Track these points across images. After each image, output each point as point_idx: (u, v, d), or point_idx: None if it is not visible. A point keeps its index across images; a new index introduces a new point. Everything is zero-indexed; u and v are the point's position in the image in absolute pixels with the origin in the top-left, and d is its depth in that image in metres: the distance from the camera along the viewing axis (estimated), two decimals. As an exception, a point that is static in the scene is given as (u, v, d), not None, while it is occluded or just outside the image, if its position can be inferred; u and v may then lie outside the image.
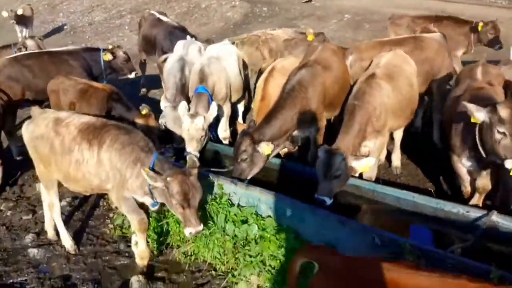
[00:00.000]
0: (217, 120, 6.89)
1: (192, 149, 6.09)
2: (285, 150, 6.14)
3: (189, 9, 18.81)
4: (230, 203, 5.04)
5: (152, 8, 16.41)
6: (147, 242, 4.90)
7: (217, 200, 5.06)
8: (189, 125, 6.05)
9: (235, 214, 4.92)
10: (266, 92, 6.11)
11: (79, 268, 5.15)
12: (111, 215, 6.01)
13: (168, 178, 4.12)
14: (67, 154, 4.60)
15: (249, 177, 5.32)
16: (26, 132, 4.98)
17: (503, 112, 4.22)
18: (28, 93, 7.42)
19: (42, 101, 7.51)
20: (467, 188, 5.15)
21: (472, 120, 4.43)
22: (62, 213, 6.03)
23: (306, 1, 17.58)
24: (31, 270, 5.12)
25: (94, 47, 8.57)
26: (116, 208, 5.48)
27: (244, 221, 4.86)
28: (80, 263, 5.22)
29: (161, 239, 5.26)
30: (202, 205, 4.89)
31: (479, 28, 8.66)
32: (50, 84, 6.76)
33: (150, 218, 5.08)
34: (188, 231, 4.27)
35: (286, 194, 4.80)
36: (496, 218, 4.27)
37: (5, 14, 13.16)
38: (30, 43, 9.48)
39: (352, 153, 4.87)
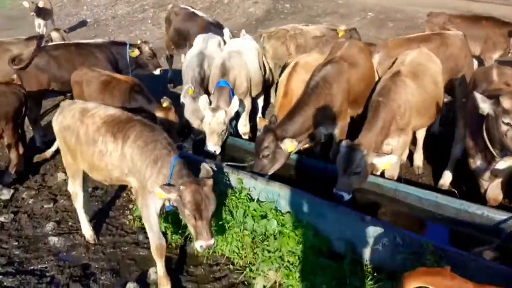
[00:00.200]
0: (237, 115, 6.89)
1: (212, 143, 6.10)
2: (306, 146, 6.09)
3: (211, 4, 18.83)
4: (250, 197, 5.02)
5: (175, 2, 16.45)
6: (165, 235, 4.89)
7: (237, 195, 5.04)
8: (210, 119, 6.06)
9: (254, 209, 4.89)
10: (289, 88, 6.06)
11: (98, 257, 5.19)
12: (130, 206, 6.04)
13: (181, 187, 3.97)
14: (91, 144, 4.59)
15: (270, 173, 5.30)
16: (56, 123, 5.03)
17: (506, 102, 4.17)
18: (54, 84, 7.52)
19: (67, 92, 7.63)
20: (485, 188, 5.02)
21: (480, 111, 4.37)
22: (82, 203, 6.14)
23: None
24: (51, 258, 5.18)
25: (121, 41, 8.60)
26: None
27: (264, 216, 4.83)
28: (99, 253, 5.26)
29: (179, 231, 5.26)
30: (221, 200, 4.87)
31: None
32: (74, 76, 6.83)
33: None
34: (199, 244, 4.03)
35: (306, 191, 4.76)
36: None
37: (26, 4, 13.39)
38: (55, 35, 9.61)
39: (374, 150, 4.81)
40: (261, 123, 5.81)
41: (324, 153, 6.18)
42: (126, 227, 5.71)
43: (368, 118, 5.11)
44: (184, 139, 6.55)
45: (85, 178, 5.21)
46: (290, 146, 5.11)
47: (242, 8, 17.83)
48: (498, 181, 4.78)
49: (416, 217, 4.82)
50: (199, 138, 6.48)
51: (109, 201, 6.18)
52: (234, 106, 6.15)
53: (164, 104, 6.22)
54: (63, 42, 8.95)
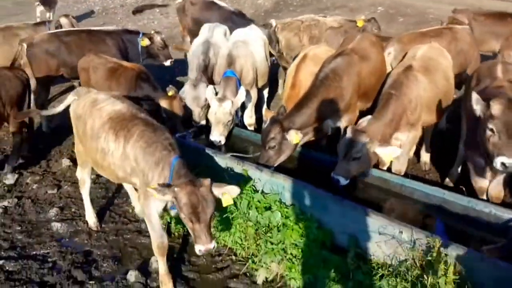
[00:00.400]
0: (242, 106, 6.85)
1: (218, 133, 6.06)
2: (313, 139, 6.03)
3: (220, -5, 18.71)
4: (254, 189, 4.98)
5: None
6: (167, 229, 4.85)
7: (241, 186, 4.99)
8: (216, 109, 6.01)
9: (258, 201, 4.85)
10: (297, 80, 6.00)
11: (100, 244, 5.18)
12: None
13: (175, 189, 3.78)
14: (95, 140, 4.53)
15: (275, 165, 5.26)
16: (71, 110, 5.01)
17: (494, 108, 4.11)
18: (63, 69, 7.54)
19: (76, 78, 7.62)
20: (477, 184, 4.92)
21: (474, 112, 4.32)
22: (86, 190, 6.13)
23: None
24: (53, 243, 5.17)
25: (134, 30, 8.55)
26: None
27: (267, 208, 4.78)
28: (102, 240, 5.25)
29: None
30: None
31: None
32: (81, 62, 6.81)
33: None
34: (197, 248, 3.84)
35: (311, 184, 4.71)
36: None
37: None
38: (64, 21, 9.57)
39: (381, 142, 4.75)
40: (267, 114, 5.77)
41: (330, 147, 6.13)
42: (129, 215, 5.69)
43: (377, 108, 5.07)
44: (186, 129, 6.49)
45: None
46: (295, 137, 5.05)
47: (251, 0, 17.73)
48: (499, 179, 4.73)
49: (422, 212, 4.76)
50: (199, 126, 6.44)
51: (113, 189, 6.16)
52: (241, 96, 6.11)
53: (170, 93, 6.18)
54: (74, 28, 8.93)
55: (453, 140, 6.23)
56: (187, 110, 6.36)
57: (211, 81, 6.76)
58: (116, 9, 19.21)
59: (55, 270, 4.74)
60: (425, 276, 3.61)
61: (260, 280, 4.52)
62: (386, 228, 4.02)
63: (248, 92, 6.68)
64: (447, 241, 3.68)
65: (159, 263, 4.45)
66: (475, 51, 6.91)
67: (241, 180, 5.00)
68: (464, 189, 4.70)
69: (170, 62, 8.27)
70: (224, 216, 4.88)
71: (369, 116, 5.07)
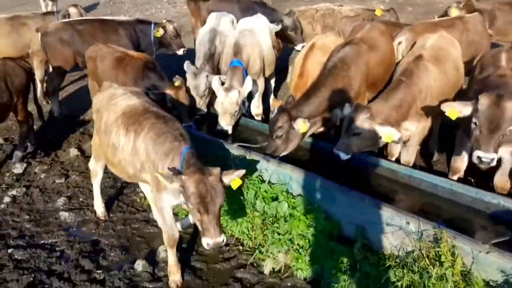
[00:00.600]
0: (249, 96, 6.81)
1: (225, 122, 6.04)
2: (321, 129, 6.00)
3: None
4: (261, 179, 4.96)
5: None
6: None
7: (248, 176, 4.98)
8: (223, 99, 5.98)
9: (265, 191, 4.83)
10: (305, 69, 5.96)
11: (108, 234, 5.21)
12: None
13: (183, 177, 3.63)
14: (107, 134, 4.50)
15: (283, 154, 5.23)
16: (93, 102, 5.04)
17: (480, 102, 4.12)
18: (78, 58, 7.60)
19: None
20: (455, 163, 5.02)
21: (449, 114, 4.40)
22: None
23: None
24: (61, 232, 5.22)
25: (146, 20, 8.51)
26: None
27: (274, 198, 4.77)
28: (110, 230, 5.28)
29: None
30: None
31: None
32: (88, 51, 6.81)
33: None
34: (205, 241, 3.67)
35: (318, 174, 4.68)
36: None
37: None
38: (73, 11, 9.54)
39: (383, 121, 4.74)
40: (275, 104, 5.72)
41: (338, 137, 6.09)
42: (137, 205, 5.72)
43: (386, 91, 5.07)
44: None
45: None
46: (302, 126, 5.01)
47: (259, -12, 17.54)
48: (504, 168, 4.70)
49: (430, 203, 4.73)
50: (201, 114, 6.43)
51: (121, 178, 6.15)
52: (248, 86, 6.07)
53: (176, 83, 6.15)
54: (87, 17, 8.95)
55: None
56: (193, 100, 6.33)
57: (218, 70, 6.72)
58: (124, -2, 19.14)
59: (63, 259, 4.79)
60: (432, 267, 3.59)
61: (267, 270, 4.53)
62: (393, 219, 4.00)
63: (255, 82, 6.63)
64: (455, 232, 3.65)
65: (169, 254, 4.45)
66: (485, 40, 6.82)
67: (248, 170, 4.98)
68: (472, 180, 4.64)
69: (183, 51, 8.16)
70: (231, 206, 4.87)
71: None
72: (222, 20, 7.34)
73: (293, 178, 4.77)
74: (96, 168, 5.31)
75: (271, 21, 7.74)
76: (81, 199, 5.85)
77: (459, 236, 3.62)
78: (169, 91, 5.99)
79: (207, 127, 6.47)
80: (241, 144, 5.43)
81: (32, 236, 5.17)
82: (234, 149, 5.27)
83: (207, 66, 6.56)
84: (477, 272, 3.52)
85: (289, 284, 4.39)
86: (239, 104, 6.09)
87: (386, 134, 4.70)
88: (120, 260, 4.80)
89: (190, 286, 4.43)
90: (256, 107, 7.05)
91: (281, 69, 8.34)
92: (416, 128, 5.13)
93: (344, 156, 4.77)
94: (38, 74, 8.57)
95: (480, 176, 4.79)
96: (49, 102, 8.40)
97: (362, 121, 4.70)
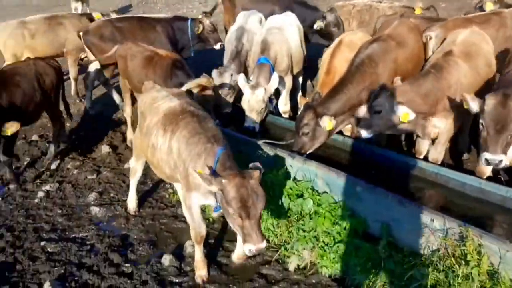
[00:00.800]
0: (277, 93, 6.82)
1: (251, 120, 6.07)
2: (349, 127, 5.96)
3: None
4: (286, 176, 4.97)
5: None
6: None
7: (273, 173, 5.01)
8: (249, 96, 6.02)
9: (290, 188, 4.85)
10: (332, 66, 5.93)
11: (137, 229, 5.32)
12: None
13: (223, 181, 3.51)
14: (148, 136, 4.54)
15: (309, 152, 5.23)
16: (138, 104, 5.10)
17: (487, 103, 4.06)
18: None
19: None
20: (480, 166, 4.85)
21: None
22: (124, 175, 6.30)
23: None
24: (92, 227, 5.36)
25: (183, 17, 8.59)
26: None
27: (300, 195, 4.78)
28: (138, 224, 5.39)
29: (216, 207, 5.29)
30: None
31: None
32: (119, 50, 6.93)
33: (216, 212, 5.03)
34: (247, 247, 3.50)
35: (344, 171, 4.67)
36: None
37: None
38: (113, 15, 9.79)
39: (405, 103, 4.71)
40: (302, 101, 5.70)
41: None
42: (166, 200, 5.83)
43: (414, 77, 5.06)
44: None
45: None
46: (328, 123, 5.00)
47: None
48: None
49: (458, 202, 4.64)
50: (226, 112, 6.47)
51: (151, 175, 6.28)
52: (274, 83, 6.08)
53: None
54: (126, 16, 9.15)
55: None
56: (219, 98, 6.39)
57: (244, 68, 6.76)
58: (156, -2, 19.46)
59: (92, 252, 4.91)
60: (457, 266, 3.53)
61: (292, 267, 4.53)
62: (418, 216, 3.94)
63: (282, 79, 6.64)
64: (481, 231, 3.58)
65: (196, 250, 4.50)
66: None
67: (273, 167, 5.01)
68: (502, 178, 4.53)
69: (220, 45, 8.06)
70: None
71: None
72: (250, 19, 7.38)
73: (318, 175, 4.77)
74: (136, 166, 5.38)
75: (314, 19, 7.71)
76: (111, 195, 6.00)
77: (486, 235, 3.56)
78: (195, 89, 6.04)
79: (234, 125, 6.51)
80: (267, 141, 5.45)
81: (64, 230, 5.34)
82: (260, 146, 5.29)
83: (232, 64, 6.61)
84: (505, 271, 3.45)
85: (313, 281, 4.38)
86: (265, 101, 6.12)
87: (403, 113, 4.67)
88: (148, 254, 4.89)
89: (216, 281, 4.48)
90: (284, 105, 7.05)
91: (309, 66, 8.30)
92: (445, 126, 5.04)
93: (365, 134, 4.79)
94: (72, 73, 8.83)
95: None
96: (82, 100, 8.65)
97: (382, 99, 4.69)
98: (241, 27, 7.09)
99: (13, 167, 6.43)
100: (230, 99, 6.51)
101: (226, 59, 6.92)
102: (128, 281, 4.46)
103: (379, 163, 5.12)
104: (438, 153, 5.23)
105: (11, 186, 6.15)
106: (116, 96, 8.35)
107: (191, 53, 8.14)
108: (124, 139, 7.39)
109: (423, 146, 5.37)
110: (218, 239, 5.07)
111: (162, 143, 4.31)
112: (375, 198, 4.31)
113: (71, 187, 6.17)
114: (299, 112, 5.98)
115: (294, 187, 4.84)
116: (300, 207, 4.71)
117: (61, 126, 6.88)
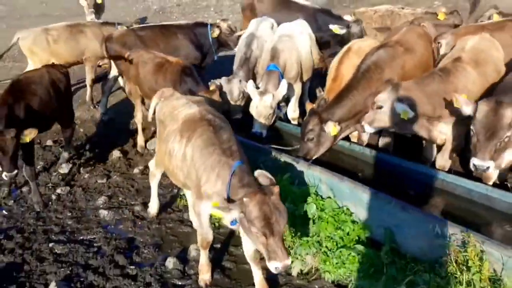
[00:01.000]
0: (287, 100, 6.84)
1: (259, 126, 6.11)
2: (355, 133, 5.96)
3: (273, -9, 18.69)
4: (291, 181, 4.98)
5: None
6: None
7: (278, 177, 5.01)
8: (257, 103, 6.06)
9: (294, 193, 4.85)
10: (339, 72, 5.93)
11: (143, 232, 5.38)
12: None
13: (244, 199, 3.42)
14: (165, 142, 4.56)
15: (314, 157, 5.23)
16: (156, 111, 5.10)
17: (479, 109, 4.10)
18: None
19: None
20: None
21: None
22: (133, 180, 6.38)
23: None
24: (100, 229, 5.44)
25: (203, 22, 8.70)
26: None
27: (303, 200, 4.78)
28: (145, 228, 5.45)
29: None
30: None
31: None
32: (130, 57, 7.03)
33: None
34: (273, 265, 3.42)
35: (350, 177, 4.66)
36: None
37: (83, 3, 13.71)
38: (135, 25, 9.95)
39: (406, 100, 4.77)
40: (309, 107, 5.72)
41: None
42: (173, 205, 5.87)
43: (420, 77, 5.10)
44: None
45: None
46: (333, 129, 5.01)
47: (305, -5, 17.57)
48: None
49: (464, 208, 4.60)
50: (235, 119, 6.49)
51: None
52: (282, 89, 6.10)
53: (211, 87, 6.28)
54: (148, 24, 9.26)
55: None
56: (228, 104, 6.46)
57: (253, 74, 6.80)
58: (173, 8, 19.64)
59: (99, 254, 4.98)
60: (459, 272, 3.49)
61: (295, 272, 4.52)
62: (421, 222, 3.91)
63: (291, 86, 6.66)
64: (483, 237, 3.54)
65: (201, 254, 4.50)
66: None
67: (278, 172, 5.02)
68: (509, 185, 4.48)
69: None
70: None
71: None
72: (261, 25, 7.42)
73: (322, 180, 4.77)
74: (156, 171, 5.35)
75: None
76: (120, 199, 6.09)
77: (488, 241, 3.51)
78: (203, 95, 6.12)
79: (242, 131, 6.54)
80: (273, 146, 5.48)
81: (73, 232, 5.42)
82: (265, 151, 5.32)
83: (240, 71, 6.66)
84: (507, 278, 3.40)
85: (316, 286, 4.37)
86: (274, 107, 6.14)
87: (402, 110, 4.70)
88: (152, 257, 4.93)
89: (218, 284, 4.49)
90: (293, 111, 7.07)
91: (319, 73, 8.30)
92: (451, 132, 4.99)
93: (368, 129, 4.86)
94: (89, 79, 8.98)
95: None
96: (96, 106, 8.79)
97: (384, 94, 4.74)
98: (252, 34, 7.15)
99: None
100: (240, 104, 6.56)
101: (235, 65, 6.97)
102: (132, 283, 4.50)
103: (386, 170, 5.10)
104: (445, 160, 5.17)
105: (36, 206, 5.89)
106: (104, 113, 8.47)
107: (215, 57, 8.21)
108: (135, 145, 7.48)
109: (430, 152, 5.33)
110: (223, 243, 5.09)
111: (178, 149, 4.31)
112: (379, 204, 4.29)
113: (81, 191, 6.27)
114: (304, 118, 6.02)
115: (298, 192, 4.84)
116: (303, 212, 4.71)
117: (73, 132, 6.97)
